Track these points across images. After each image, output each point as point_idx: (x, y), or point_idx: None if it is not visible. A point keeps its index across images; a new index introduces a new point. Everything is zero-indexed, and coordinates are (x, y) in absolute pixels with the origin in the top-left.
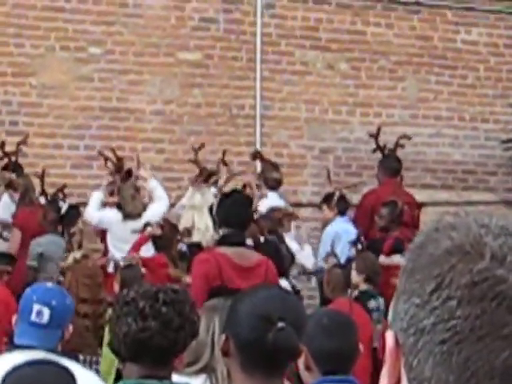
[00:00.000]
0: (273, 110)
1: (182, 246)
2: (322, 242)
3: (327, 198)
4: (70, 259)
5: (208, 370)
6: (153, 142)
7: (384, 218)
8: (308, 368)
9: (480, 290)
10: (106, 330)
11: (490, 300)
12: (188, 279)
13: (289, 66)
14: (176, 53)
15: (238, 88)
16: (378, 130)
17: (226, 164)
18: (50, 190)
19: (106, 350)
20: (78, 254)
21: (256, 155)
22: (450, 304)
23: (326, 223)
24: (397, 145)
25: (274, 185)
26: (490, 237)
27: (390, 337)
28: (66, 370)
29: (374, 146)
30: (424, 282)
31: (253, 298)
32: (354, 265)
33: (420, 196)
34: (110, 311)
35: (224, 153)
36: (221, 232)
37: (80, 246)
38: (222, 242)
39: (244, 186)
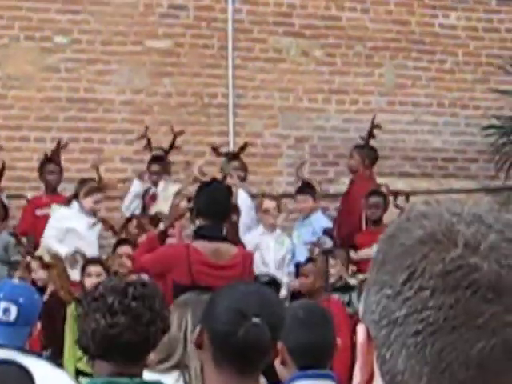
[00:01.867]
0: (246, 98)
1: None
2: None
3: (307, 187)
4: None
5: (181, 366)
6: (122, 133)
7: (380, 208)
8: (283, 363)
9: (453, 278)
10: (67, 326)
11: (463, 289)
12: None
13: (262, 53)
14: (145, 41)
15: (210, 76)
16: (373, 119)
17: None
18: (17, 184)
19: (67, 347)
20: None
21: (244, 148)
22: (423, 294)
23: (308, 214)
24: (370, 134)
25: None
26: (462, 225)
27: (361, 330)
28: (25, 370)
29: (350, 134)
30: (396, 273)
31: (231, 292)
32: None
33: (399, 185)
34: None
35: (175, 135)
36: (197, 222)
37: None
38: (198, 234)
39: (224, 177)
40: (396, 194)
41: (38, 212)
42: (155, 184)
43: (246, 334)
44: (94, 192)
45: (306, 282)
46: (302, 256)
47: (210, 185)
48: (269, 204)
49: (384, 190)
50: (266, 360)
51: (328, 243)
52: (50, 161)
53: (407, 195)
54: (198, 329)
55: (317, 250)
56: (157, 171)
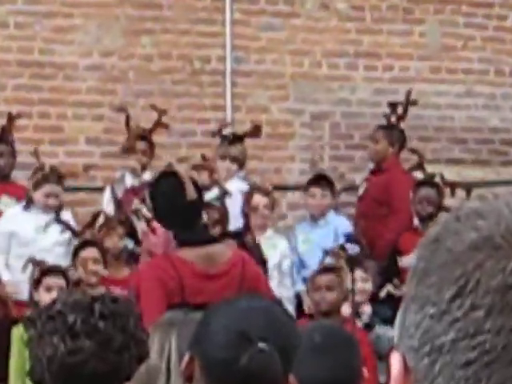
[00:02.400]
0: (248, 63)
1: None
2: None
3: (324, 178)
4: None
5: None
6: (88, 106)
7: (432, 203)
8: None
9: None
10: (13, 353)
11: None
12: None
13: (269, 5)
14: None
15: (202, 35)
16: (409, 94)
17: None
18: None
19: (13, 379)
20: None
21: (258, 131)
22: (477, 314)
23: (323, 212)
24: (404, 112)
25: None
26: None
27: (395, 359)
28: None
29: (382, 109)
30: (441, 287)
31: (231, 310)
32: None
33: (446, 174)
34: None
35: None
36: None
37: None
38: (179, 240)
39: (203, 159)
40: (454, 185)
41: None
42: (143, 167)
43: (250, 363)
44: (44, 182)
45: (330, 298)
46: (313, 265)
47: (157, 186)
48: (259, 200)
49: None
50: None
51: (355, 251)
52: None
53: (469, 189)
54: (186, 356)
55: (339, 259)
56: (144, 150)
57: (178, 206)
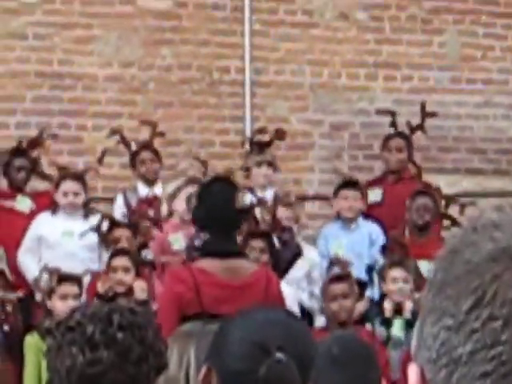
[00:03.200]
0: (267, 74)
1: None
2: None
3: (353, 184)
4: None
5: None
6: (107, 117)
7: (429, 212)
8: None
9: None
10: (28, 360)
11: None
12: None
13: (287, 15)
14: None
15: (221, 45)
16: (423, 106)
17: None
18: None
19: None
20: None
21: (283, 134)
22: (494, 325)
23: (355, 216)
24: (422, 123)
25: None
26: None
27: (413, 371)
28: None
29: (402, 120)
30: (459, 298)
31: (248, 321)
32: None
33: (465, 184)
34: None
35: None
36: (202, 236)
37: None
38: (204, 251)
39: (229, 173)
40: (448, 199)
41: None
42: (152, 182)
43: (268, 373)
44: (62, 181)
45: (348, 306)
46: (360, 273)
47: (209, 187)
48: (283, 213)
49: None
50: None
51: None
52: (21, 154)
53: (463, 206)
54: (204, 368)
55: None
56: (151, 159)
57: (226, 211)
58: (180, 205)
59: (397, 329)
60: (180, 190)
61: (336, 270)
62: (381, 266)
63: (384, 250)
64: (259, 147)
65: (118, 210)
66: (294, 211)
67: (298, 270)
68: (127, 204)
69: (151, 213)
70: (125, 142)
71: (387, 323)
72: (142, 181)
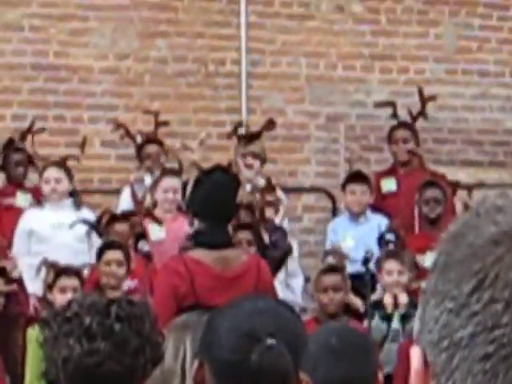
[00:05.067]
0: (263, 65)
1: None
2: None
3: (361, 178)
4: None
5: None
6: (103, 109)
7: (440, 204)
8: None
9: None
10: (30, 353)
11: None
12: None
13: (284, 7)
14: None
15: (217, 37)
16: (421, 91)
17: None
18: None
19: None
20: None
21: (272, 125)
22: (495, 308)
23: (363, 210)
24: (422, 110)
25: None
26: None
27: (415, 354)
28: None
29: (398, 112)
30: (461, 281)
31: (236, 311)
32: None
33: (461, 176)
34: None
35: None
36: (196, 225)
37: None
38: (197, 241)
39: (229, 165)
40: (455, 186)
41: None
42: (150, 171)
43: (261, 360)
44: (45, 168)
45: (338, 299)
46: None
47: (209, 175)
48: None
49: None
50: None
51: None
52: (18, 148)
53: (470, 188)
54: (195, 362)
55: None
56: (157, 152)
57: (224, 201)
58: (159, 196)
59: (396, 322)
60: (158, 182)
61: (331, 261)
62: (376, 257)
63: (380, 241)
64: (247, 139)
65: (125, 202)
66: (275, 196)
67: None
68: (134, 196)
69: None
70: (130, 135)
71: (388, 318)
72: (148, 173)
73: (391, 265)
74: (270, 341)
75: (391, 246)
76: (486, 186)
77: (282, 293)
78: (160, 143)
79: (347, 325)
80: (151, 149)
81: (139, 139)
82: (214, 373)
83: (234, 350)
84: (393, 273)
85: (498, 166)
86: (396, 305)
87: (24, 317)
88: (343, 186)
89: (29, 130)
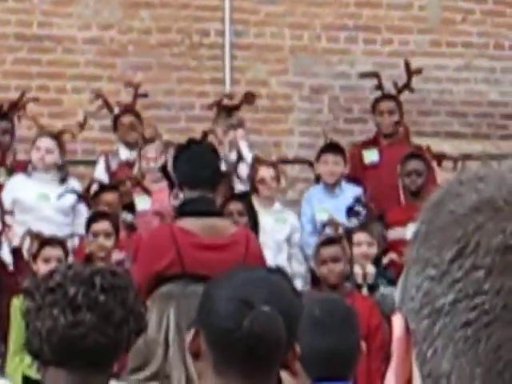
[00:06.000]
0: (247, 36)
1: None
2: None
3: (335, 147)
4: None
5: (160, 377)
6: (86, 79)
7: (422, 176)
8: (293, 372)
9: None
10: (13, 325)
11: None
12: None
13: None
14: None
15: (201, 8)
16: (407, 64)
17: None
18: None
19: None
20: None
21: (252, 98)
22: (477, 275)
23: (337, 181)
24: (408, 82)
25: None
26: None
27: (397, 322)
28: None
29: (383, 82)
30: (442, 248)
31: (232, 280)
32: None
33: (445, 148)
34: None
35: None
36: (181, 195)
37: None
38: (184, 210)
39: (206, 134)
40: (441, 157)
41: None
42: (133, 146)
43: (252, 325)
44: (38, 138)
45: (338, 270)
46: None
47: (188, 147)
48: (265, 172)
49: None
50: (279, 358)
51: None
52: (3, 116)
53: (455, 160)
54: (191, 331)
55: (338, 229)
56: (132, 123)
57: (205, 170)
58: (143, 166)
59: (365, 292)
60: (140, 152)
61: (328, 232)
62: (345, 229)
63: (349, 212)
64: (227, 111)
65: (100, 174)
66: (276, 171)
67: (279, 233)
68: (108, 167)
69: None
70: (108, 105)
71: (358, 289)
72: (123, 144)
73: (360, 236)
74: (264, 307)
75: (360, 218)
76: (470, 159)
77: (286, 264)
78: (137, 114)
79: (335, 296)
80: (126, 119)
81: (117, 110)
82: (208, 340)
83: (229, 317)
84: (362, 244)
85: (482, 138)
86: (364, 276)
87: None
88: (317, 158)
89: (20, 99)
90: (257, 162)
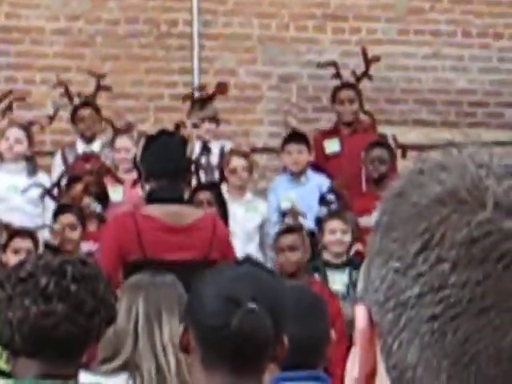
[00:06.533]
0: (215, 26)
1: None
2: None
3: (298, 137)
4: None
5: (130, 366)
6: (55, 70)
7: (385, 163)
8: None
9: (481, 248)
10: None
11: (494, 261)
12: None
13: None
14: None
15: None
16: (364, 51)
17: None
18: None
19: None
20: None
21: (224, 88)
22: (442, 268)
23: (303, 170)
24: (366, 71)
25: None
26: (491, 179)
27: (360, 313)
28: None
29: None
30: (406, 241)
31: (218, 277)
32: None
33: (413, 136)
34: None
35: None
36: (147, 186)
37: None
38: (149, 198)
39: (177, 127)
40: (404, 147)
41: None
42: (88, 139)
43: (241, 324)
44: (9, 127)
45: (294, 258)
46: (310, 226)
47: (157, 138)
48: (237, 162)
49: (390, 141)
50: (267, 355)
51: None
52: None
53: (421, 149)
54: (180, 328)
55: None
56: (90, 116)
57: (173, 158)
58: (116, 157)
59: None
60: (112, 144)
61: (288, 221)
62: (317, 217)
63: (321, 201)
64: (201, 103)
65: (57, 167)
66: (248, 161)
67: (250, 222)
68: (65, 160)
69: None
70: (68, 95)
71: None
72: (80, 137)
73: (334, 224)
74: (251, 305)
75: (333, 206)
76: (438, 147)
77: (256, 253)
78: (95, 108)
79: (301, 285)
80: (84, 112)
81: (77, 101)
82: (197, 338)
83: (216, 314)
84: (336, 232)
85: (451, 126)
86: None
87: None
88: (282, 148)
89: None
90: (229, 152)
